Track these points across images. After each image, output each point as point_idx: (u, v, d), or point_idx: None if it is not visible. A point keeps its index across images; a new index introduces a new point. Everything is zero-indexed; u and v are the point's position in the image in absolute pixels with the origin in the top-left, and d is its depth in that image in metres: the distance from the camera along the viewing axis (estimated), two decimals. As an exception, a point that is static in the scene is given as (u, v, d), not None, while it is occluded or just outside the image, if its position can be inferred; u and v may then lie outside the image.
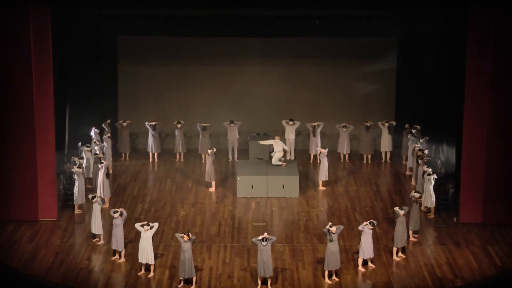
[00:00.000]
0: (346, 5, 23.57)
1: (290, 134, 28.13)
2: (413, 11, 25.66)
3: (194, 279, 18.97)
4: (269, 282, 18.87)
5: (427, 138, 26.52)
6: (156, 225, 19.80)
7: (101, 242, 21.22)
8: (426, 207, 23.15)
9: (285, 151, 25.91)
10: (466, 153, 22.29)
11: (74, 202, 23.31)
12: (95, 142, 26.34)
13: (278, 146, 25.22)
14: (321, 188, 25.44)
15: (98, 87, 28.38)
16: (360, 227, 19.84)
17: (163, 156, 28.64)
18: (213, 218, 23.13)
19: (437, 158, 26.61)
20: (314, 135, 28.07)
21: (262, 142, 26.11)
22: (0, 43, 21.55)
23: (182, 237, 18.82)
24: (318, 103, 29.46)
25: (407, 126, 27.73)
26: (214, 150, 25.44)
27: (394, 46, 29.07)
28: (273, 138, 25.88)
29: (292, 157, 27.98)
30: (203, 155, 28.08)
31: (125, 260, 20.22)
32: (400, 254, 20.50)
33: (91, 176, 25.19)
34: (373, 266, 19.97)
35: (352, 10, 24.87)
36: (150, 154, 28.35)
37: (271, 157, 25.67)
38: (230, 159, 28.33)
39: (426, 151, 25.12)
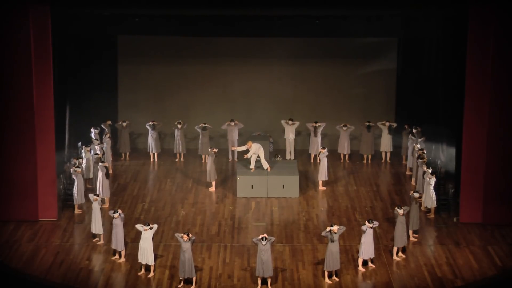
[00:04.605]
0: (346, 5, 23.56)
1: (290, 134, 28.14)
2: (413, 11, 25.66)
3: (194, 279, 18.97)
4: (269, 282, 18.87)
5: (424, 138, 26.54)
6: (155, 226, 19.79)
7: (101, 242, 21.22)
8: (426, 207, 23.16)
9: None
10: (466, 153, 22.30)
11: (74, 202, 23.31)
12: (94, 141, 26.36)
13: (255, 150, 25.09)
14: (321, 188, 25.44)
15: (98, 87, 28.37)
16: (363, 228, 19.81)
17: (163, 156, 28.64)
18: (213, 218, 23.13)
19: (437, 158, 26.61)
20: (315, 135, 28.07)
21: (238, 148, 25.96)
22: (0, 43, 21.55)
23: (182, 237, 18.82)
24: (318, 103, 29.47)
25: (406, 126, 27.74)
26: (215, 150, 25.44)
27: (394, 46, 29.07)
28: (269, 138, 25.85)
29: (292, 157, 27.99)
30: (203, 156, 28.09)
31: (125, 260, 20.22)
32: (400, 254, 20.50)
33: (91, 176, 25.19)
34: (373, 266, 19.97)
35: (352, 10, 24.87)
36: (151, 154, 28.35)
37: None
38: (230, 159, 28.33)
39: (425, 151, 25.15)
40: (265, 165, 24.93)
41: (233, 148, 26.94)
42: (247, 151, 25.22)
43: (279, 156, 26.71)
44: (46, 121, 22.18)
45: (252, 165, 24.95)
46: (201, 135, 28.11)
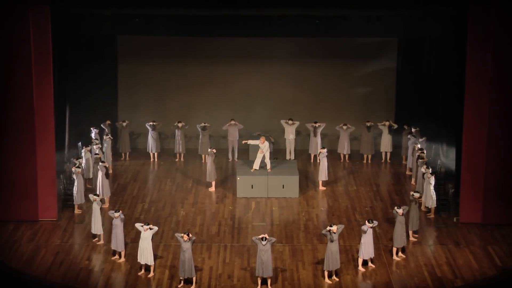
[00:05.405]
0: (346, 5, 23.56)
1: (290, 134, 28.14)
2: (413, 11, 25.66)
3: (194, 279, 18.97)
4: (269, 282, 18.87)
5: (425, 138, 26.57)
6: (155, 228, 19.76)
7: (101, 242, 21.22)
8: (427, 207, 23.16)
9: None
10: (466, 153, 22.30)
11: (74, 202, 23.31)
12: (94, 141, 26.36)
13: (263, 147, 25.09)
14: (321, 188, 25.44)
15: (98, 87, 28.37)
16: (364, 227, 19.80)
17: (163, 156, 28.64)
18: (213, 218, 23.13)
19: (437, 158, 26.61)
20: (315, 135, 28.07)
21: (250, 142, 25.92)
22: (0, 43, 21.55)
23: (182, 237, 18.82)
24: (318, 103, 29.47)
25: (406, 126, 27.74)
26: (214, 150, 25.44)
27: (394, 46, 29.06)
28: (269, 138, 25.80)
29: (292, 157, 27.99)
30: (203, 155, 28.09)
31: (125, 260, 20.22)
32: (400, 254, 20.50)
33: (91, 176, 25.20)
34: (373, 266, 19.97)
35: (352, 10, 24.86)
36: (151, 154, 28.35)
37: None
38: (230, 159, 28.33)
39: (424, 151, 25.16)
40: (268, 164, 24.95)
41: (244, 142, 26.50)
42: (258, 146, 25.14)
43: (278, 159, 26.71)
44: (46, 121, 22.18)
45: (257, 166, 24.90)
46: (201, 135, 28.11)
